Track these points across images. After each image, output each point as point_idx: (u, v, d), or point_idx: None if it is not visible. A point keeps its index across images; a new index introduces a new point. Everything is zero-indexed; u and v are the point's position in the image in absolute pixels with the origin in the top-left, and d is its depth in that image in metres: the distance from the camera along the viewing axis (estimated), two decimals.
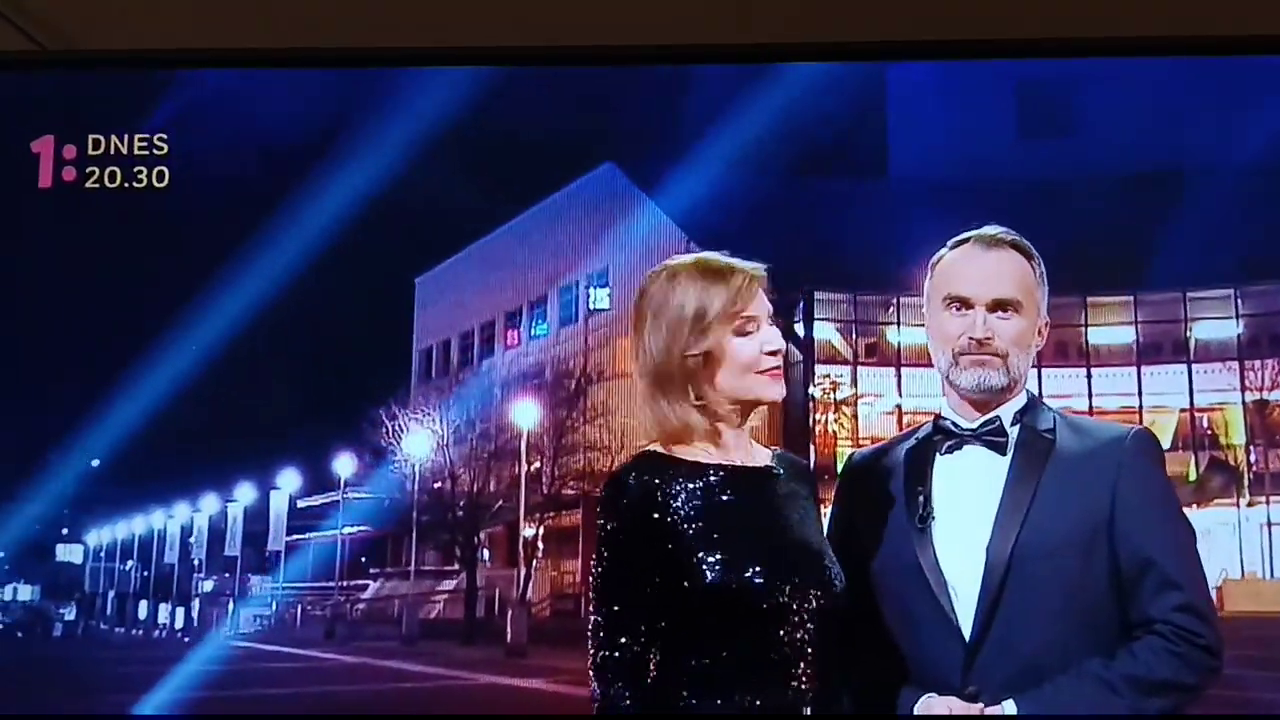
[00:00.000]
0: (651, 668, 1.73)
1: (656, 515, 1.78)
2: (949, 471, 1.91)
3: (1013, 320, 1.85)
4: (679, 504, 1.77)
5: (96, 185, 7.66)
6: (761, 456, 1.90)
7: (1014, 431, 1.86)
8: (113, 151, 7.69)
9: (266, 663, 17.58)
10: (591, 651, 1.72)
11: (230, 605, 37.47)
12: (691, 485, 1.83)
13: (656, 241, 32.77)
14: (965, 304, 1.87)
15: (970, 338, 1.83)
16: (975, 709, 1.66)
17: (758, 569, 1.70)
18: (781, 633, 1.76)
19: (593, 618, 1.76)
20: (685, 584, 1.73)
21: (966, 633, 1.75)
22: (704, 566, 1.70)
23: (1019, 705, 1.64)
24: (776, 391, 1.88)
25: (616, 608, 1.76)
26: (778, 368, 1.90)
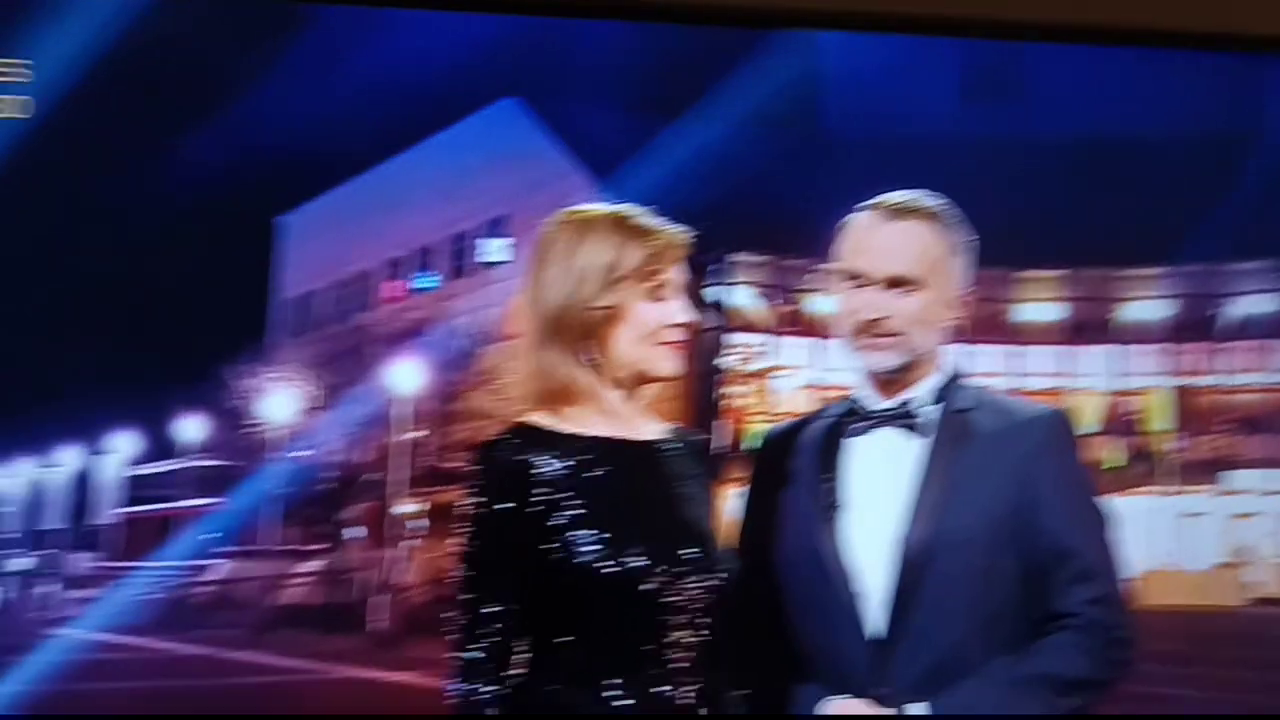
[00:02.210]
0: (513, 661, 1.74)
1: (525, 492, 1.71)
2: (860, 455, 1.88)
3: (912, 298, 1.82)
4: (550, 480, 1.71)
5: None
6: (652, 431, 1.81)
7: (929, 412, 1.89)
8: None
9: (96, 654, 16.89)
10: (452, 640, 1.70)
11: (50, 586, 36.08)
12: (566, 460, 1.73)
13: (563, 189, 32.51)
14: (860, 279, 1.90)
15: (862, 318, 1.85)
16: (887, 713, 1.71)
17: (633, 552, 1.67)
18: (660, 620, 1.67)
19: (457, 604, 1.77)
20: (555, 567, 1.68)
21: (871, 630, 1.79)
22: (575, 548, 1.67)
23: (931, 708, 1.70)
24: (671, 367, 1.83)
25: (477, 594, 1.70)
26: (679, 343, 1.83)
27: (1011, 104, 31.62)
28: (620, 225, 1.84)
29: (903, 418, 1.89)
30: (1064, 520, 1.82)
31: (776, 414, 29.38)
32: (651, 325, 1.79)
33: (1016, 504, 1.82)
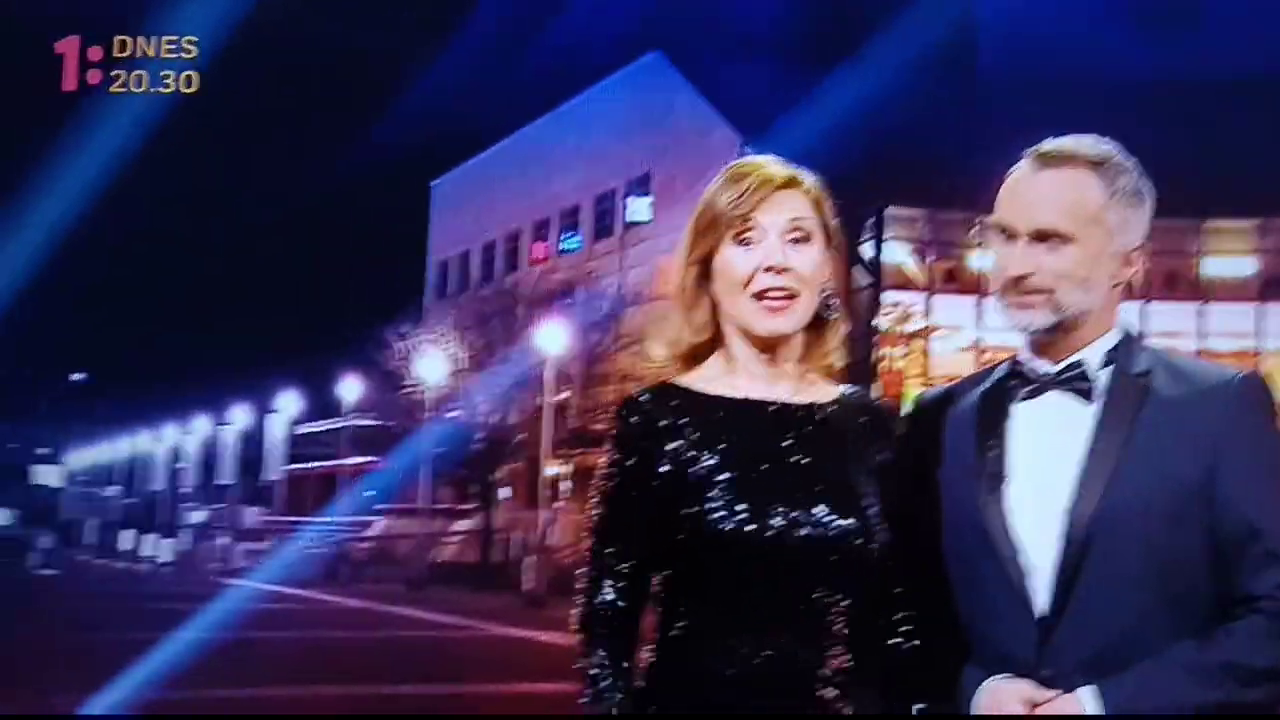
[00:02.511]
0: (639, 624, 1.72)
1: (658, 450, 1.68)
2: (1027, 422, 1.78)
3: (1062, 252, 1.70)
4: (684, 439, 1.68)
5: (123, 89, 7.80)
6: (810, 393, 1.74)
7: (1102, 376, 1.76)
8: (139, 54, 7.83)
9: (262, 603, 17.94)
10: (577, 600, 1.71)
11: (222, 539, 38.11)
12: (701, 419, 1.70)
13: (706, 144, 32.25)
14: (1009, 233, 1.78)
15: (1010, 274, 1.74)
16: (1050, 695, 1.61)
17: (769, 513, 1.61)
18: (796, 584, 1.65)
19: (586, 554, 1.75)
20: (689, 527, 1.65)
21: (1039, 607, 1.69)
22: (708, 508, 1.63)
23: (1100, 693, 1.60)
24: (767, 325, 1.71)
25: (608, 551, 1.68)
26: (780, 293, 1.70)
27: (1188, 37, 29.77)
28: (731, 170, 1.74)
29: (1072, 381, 1.74)
30: (1254, 495, 1.65)
31: (935, 376, 28.76)
32: (739, 273, 1.69)
33: (1200, 475, 1.65)
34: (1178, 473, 1.64)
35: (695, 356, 1.75)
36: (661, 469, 1.67)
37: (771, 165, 1.74)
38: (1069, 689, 1.59)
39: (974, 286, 27.41)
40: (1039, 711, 1.59)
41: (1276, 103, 25.56)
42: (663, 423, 1.69)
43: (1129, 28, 27.36)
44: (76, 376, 56.89)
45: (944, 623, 1.68)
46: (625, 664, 1.68)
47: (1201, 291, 28.03)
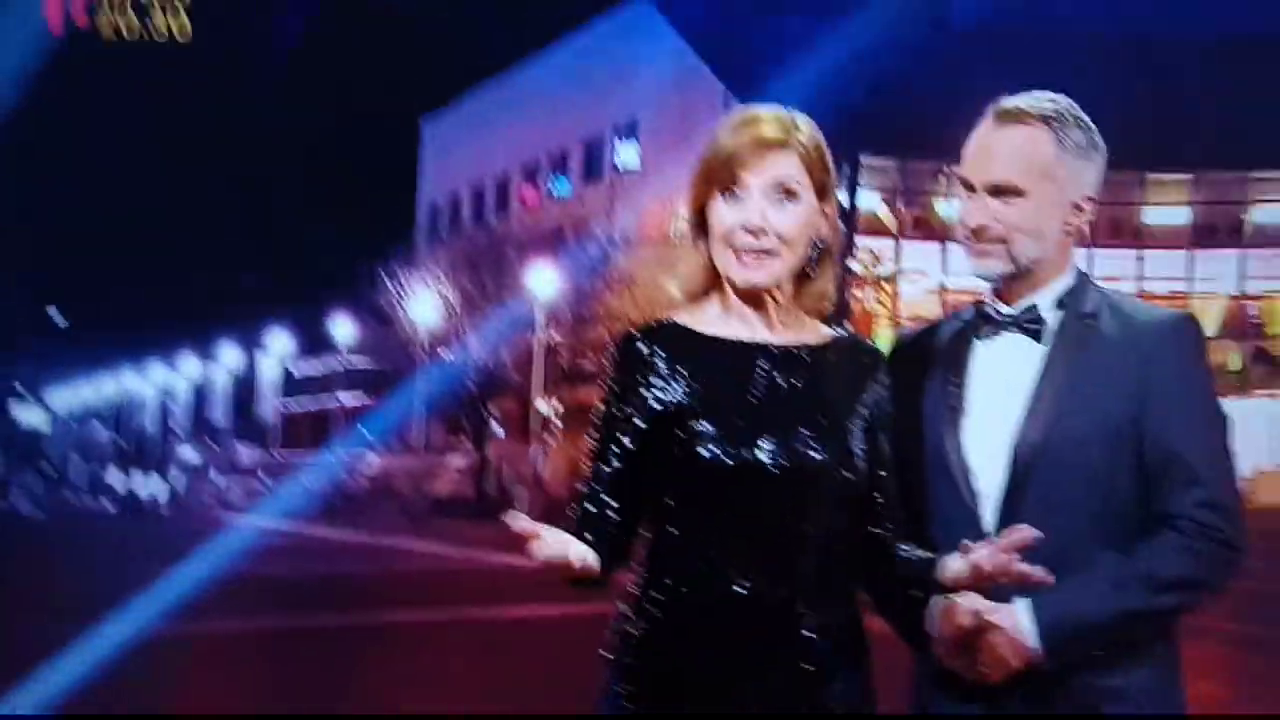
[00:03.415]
0: (629, 536, 1.69)
1: (651, 384, 1.72)
2: (985, 360, 1.87)
3: (1015, 205, 1.77)
4: (672, 372, 1.72)
5: (115, 37, 7.74)
6: (800, 335, 1.76)
7: (1054, 317, 1.87)
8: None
9: (263, 540, 17.52)
10: (573, 511, 1.75)
11: (217, 476, 37.64)
12: (691, 355, 1.73)
13: (690, 90, 31.79)
14: (969, 187, 1.88)
15: (969, 225, 1.84)
16: (993, 606, 1.76)
17: (751, 445, 1.68)
18: (779, 514, 1.67)
19: (585, 479, 1.79)
20: (675, 457, 1.68)
21: (987, 527, 1.83)
22: (694, 438, 1.68)
23: (1032, 602, 1.75)
24: (743, 277, 1.71)
25: (603, 469, 1.73)
26: (755, 251, 1.70)
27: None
28: (732, 119, 1.77)
29: (1026, 323, 1.89)
30: (1179, 424, 1.79)
31: (904, 319, 28.76)
32: (721, 227, 1.71)
33: (1132, 408, 1.80)
34: (1114, 406, 1.79)
35: (695, 296, 1.78)
36: (652, 400, 1.71)
37: (766, 121, 1.74)
38: (1006, 600, 1.77)
39: (940, 233, 27.49)
40: (981, 619, 1.70)
41: (1224, 65, 25.66)
42: (656, 358, 1.72)
43: None
44: (54, 312, 54.19)
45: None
46: (606, 539, 1.69)
47: (1141, 239, 28.66)
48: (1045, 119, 1.81)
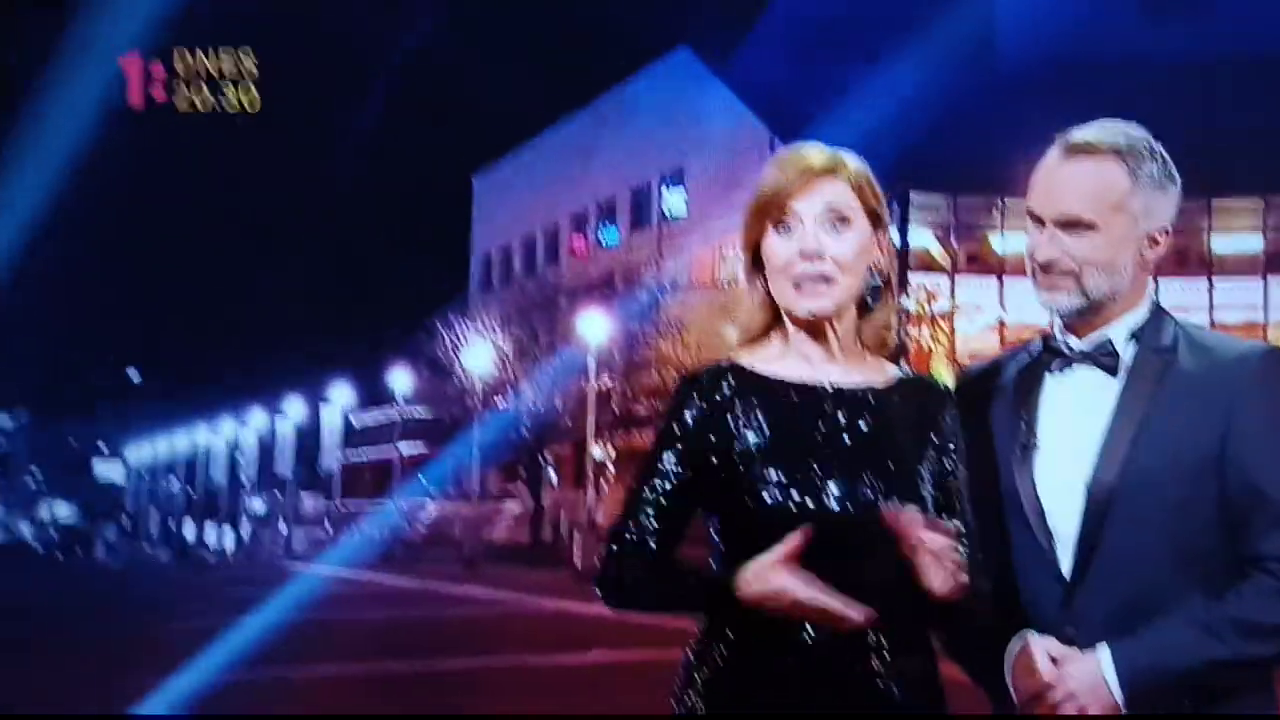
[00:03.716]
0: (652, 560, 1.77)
1: (710, 427, 1.69)
2: (1057, 394, 1.81)
3: (1085, 239, 1.71)
4: (737, 417, 1.69)
5: (190, 109, 8.05)
6: (865, 374, 1.73)
7: (1128, 350, 1.80)
8: (200, 71, 8.00)
9: (326, 586, 18.12)
10: (608, 534, 1.73)
11: (282, 526, 38.36)
12: (756, 399, 1.71)
13: (736, 137, 31.98)
14: (1038, 220, 1.83)
15: (1038, 259, 1.78)
16: (1071, 652, 1.68)
17: (814, 491, 1.65)
18: (844, 562, 1.62)
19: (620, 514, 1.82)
20: (737, 504, 1.66)
21: (1063, 570, 1.76)
22: (756, 484, 1.65)
23: (1114, 651, 1.66)
24: (804, 307, 1.70)
25: (645, 491, 1.71)
26: (813, 277, 1.69)
27: (1197, 21, 29.25)
28: (778, 158, 1.76)
29: (1099, 357, 1.81)
30: (1266, 462, 1.71)
31: (961, 356, 28.45)
32: (778, 259, 1.70)
33: (1214, 444, 1.71)
34: (1194, 442, 1.70)
35: (755, 336, 1.77)
36: (715, 444, 1.68)
37: (812, 153, 1.75)
38: (1089, 646, 1.67)
39: (996, 268, 27.23)
40: (1060, 667, 1.64)
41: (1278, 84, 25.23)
42: (717, 398, 1.70)
43: (1142, 11, 26.94)
44: (132, 372, 57.26)
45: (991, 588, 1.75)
46: (640, 576, 1.69)
47: (1210, 267, 27.83)
48: (1116, 151, 1.75)
